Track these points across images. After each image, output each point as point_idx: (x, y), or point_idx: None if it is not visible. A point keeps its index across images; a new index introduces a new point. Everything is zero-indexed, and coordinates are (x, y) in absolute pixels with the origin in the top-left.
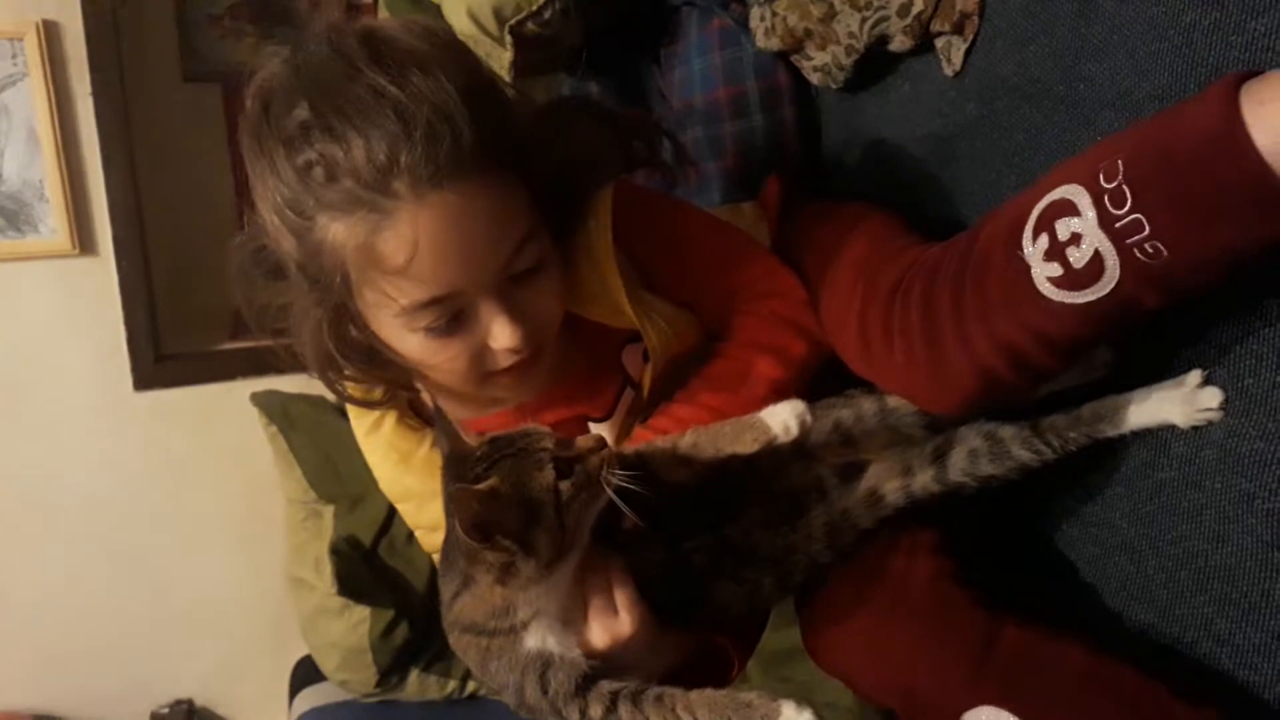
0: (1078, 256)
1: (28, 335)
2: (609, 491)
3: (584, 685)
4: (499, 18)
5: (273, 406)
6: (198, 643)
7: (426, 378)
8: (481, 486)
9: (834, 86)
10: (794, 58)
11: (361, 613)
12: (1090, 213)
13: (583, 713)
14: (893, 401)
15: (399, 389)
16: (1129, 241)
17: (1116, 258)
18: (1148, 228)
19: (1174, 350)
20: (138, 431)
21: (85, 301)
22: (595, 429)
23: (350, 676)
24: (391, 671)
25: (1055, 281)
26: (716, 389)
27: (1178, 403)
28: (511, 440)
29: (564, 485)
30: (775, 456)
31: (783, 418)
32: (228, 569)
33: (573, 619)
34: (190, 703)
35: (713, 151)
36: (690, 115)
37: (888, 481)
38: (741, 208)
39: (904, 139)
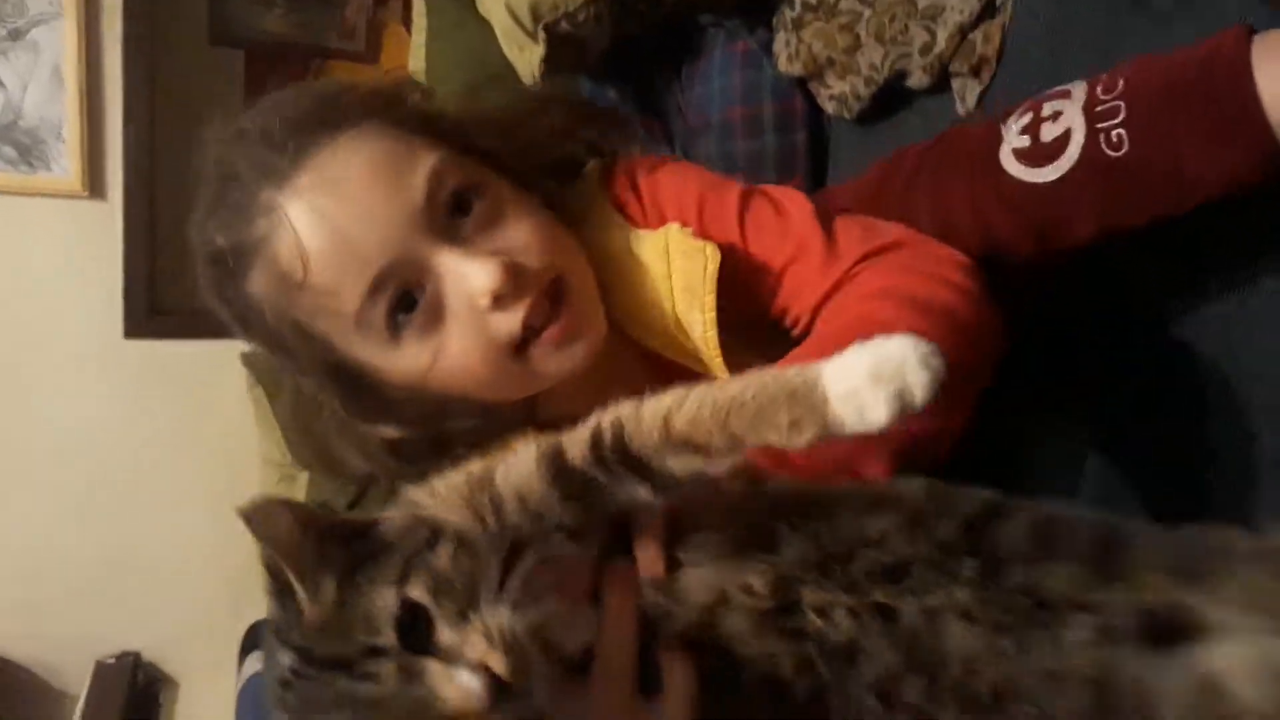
0: (1049, 130)
1: (26, 270)
2: None
3: None
4: (535, 15)
5: (261, 366)
6: (153, 597)
7: (482, 405)
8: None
9: (848, 116)
10: (812, 84)
11: None
12: (1080, 94)
13: None
14: None
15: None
16: (1100, 126)
17: (1082, 137)
18: (1123, 113)
19: None
20: (123, 380)
21: (88, 244)
22: None
23: None
24: None
25: (1018, 154)
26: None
27: None
28: None
29: None
30: None
31: (856, 385)
32: (193, 527)
33: None
34: (137, 655)
35: (724, 168)
36: (705, 131)
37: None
38: None
39: None
